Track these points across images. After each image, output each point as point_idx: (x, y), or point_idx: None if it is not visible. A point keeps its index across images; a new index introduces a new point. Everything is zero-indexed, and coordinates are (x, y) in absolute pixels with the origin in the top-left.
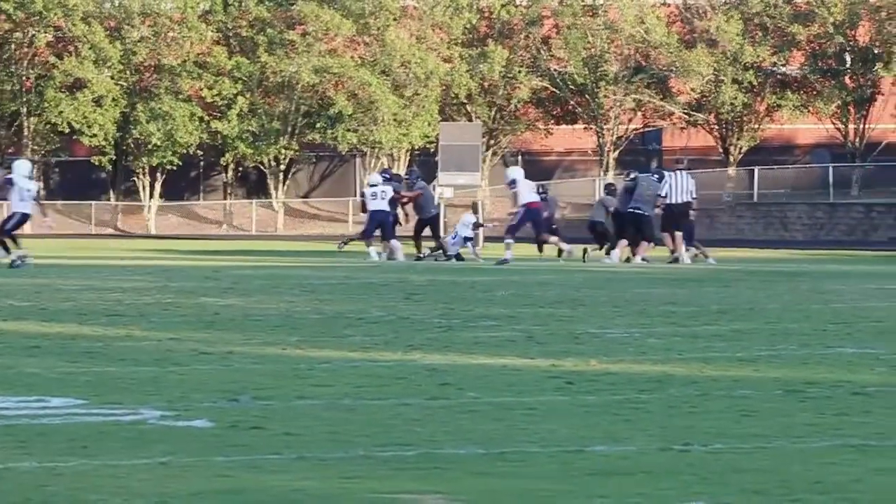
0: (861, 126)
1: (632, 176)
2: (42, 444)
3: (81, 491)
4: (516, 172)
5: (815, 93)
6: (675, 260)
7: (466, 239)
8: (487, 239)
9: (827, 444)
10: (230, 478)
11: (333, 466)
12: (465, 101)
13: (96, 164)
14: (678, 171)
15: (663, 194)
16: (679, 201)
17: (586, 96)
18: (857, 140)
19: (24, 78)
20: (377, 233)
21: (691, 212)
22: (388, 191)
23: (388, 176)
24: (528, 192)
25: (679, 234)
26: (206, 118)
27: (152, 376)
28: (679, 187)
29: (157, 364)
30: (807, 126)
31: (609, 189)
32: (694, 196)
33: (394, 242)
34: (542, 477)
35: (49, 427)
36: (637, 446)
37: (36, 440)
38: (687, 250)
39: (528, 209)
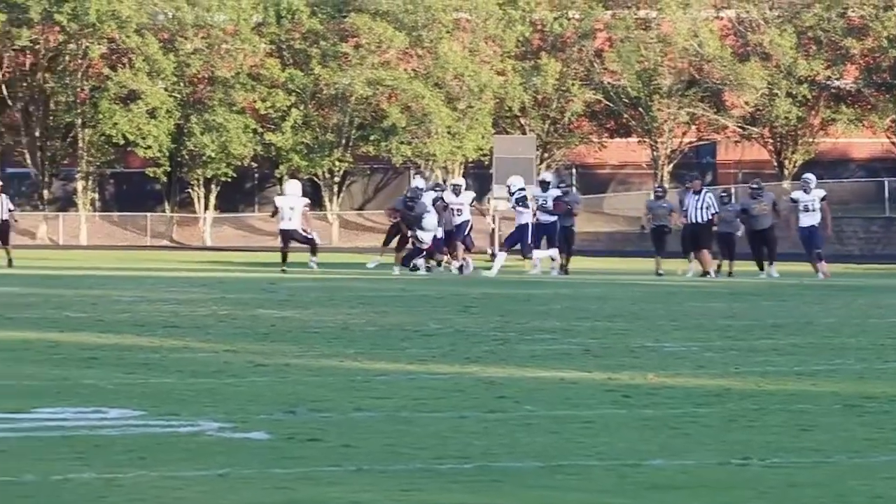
0: None
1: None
2: (100, 455)
3: (140, 502)
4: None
5: (869, 106)
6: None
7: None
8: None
9: (885, 459)
10: (287, 490)
11: (391, 479)
12: (519, 113)
13: (151, 175)
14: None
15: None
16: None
17: (640, 109)
18: None
19: (78, 89)
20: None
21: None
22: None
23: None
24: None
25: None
26: (260, 130)
27: (209, 388)
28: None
29: (214, 376)
30: (861, 140)
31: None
32: (714, 212)
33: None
34: (599, 491)
35: (107, 438)
36: (695, 460)
37: (94, 451)
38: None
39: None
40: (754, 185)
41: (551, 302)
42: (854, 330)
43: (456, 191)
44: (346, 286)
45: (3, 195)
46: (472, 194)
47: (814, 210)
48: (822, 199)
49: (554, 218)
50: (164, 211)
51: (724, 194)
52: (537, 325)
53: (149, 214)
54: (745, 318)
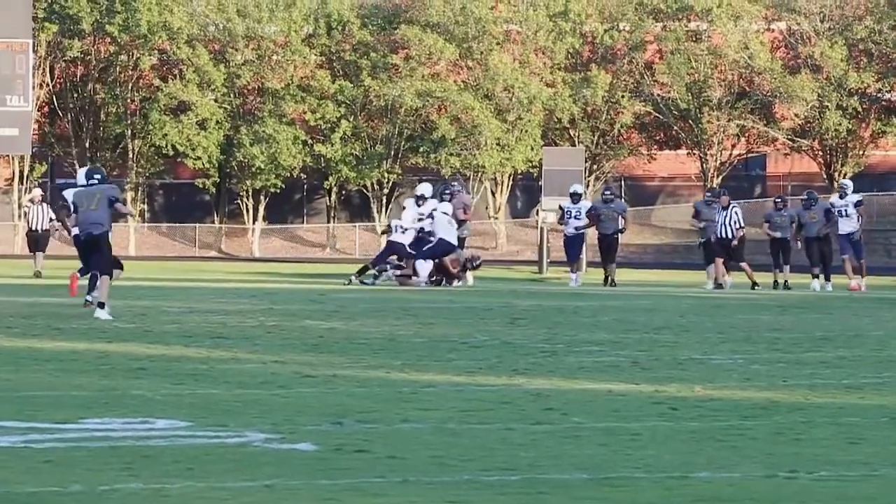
0: None
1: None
2: (148, 465)
3: None
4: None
5: None
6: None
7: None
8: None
9: None
10: (335, 501)
11: (438, 490)
12: (568, 125)
13: (200, 186)
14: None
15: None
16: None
17: (690, 121)
18: None
19: (128, 100)
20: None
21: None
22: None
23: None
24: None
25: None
26: (310, 141)
27: (257, 399)
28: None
29: (261, 387)
30: None
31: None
32: (740, 226)
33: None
34: (646, 503)
35: (155, 449)
36: (742, 473)
37: (142, 462)
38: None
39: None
40: (807, 196)
41: (599, 314)
42: None
43: (419, 202)
44: (393, 297)
45: (45, 204)
46: (447, 206)
47: (848, 216)
48: (858, 205)
49: (581, 230)
50: (212, 222)
51: (777, 199)
52: (585, 337)
53: (197, 225)
54: (793, 331)
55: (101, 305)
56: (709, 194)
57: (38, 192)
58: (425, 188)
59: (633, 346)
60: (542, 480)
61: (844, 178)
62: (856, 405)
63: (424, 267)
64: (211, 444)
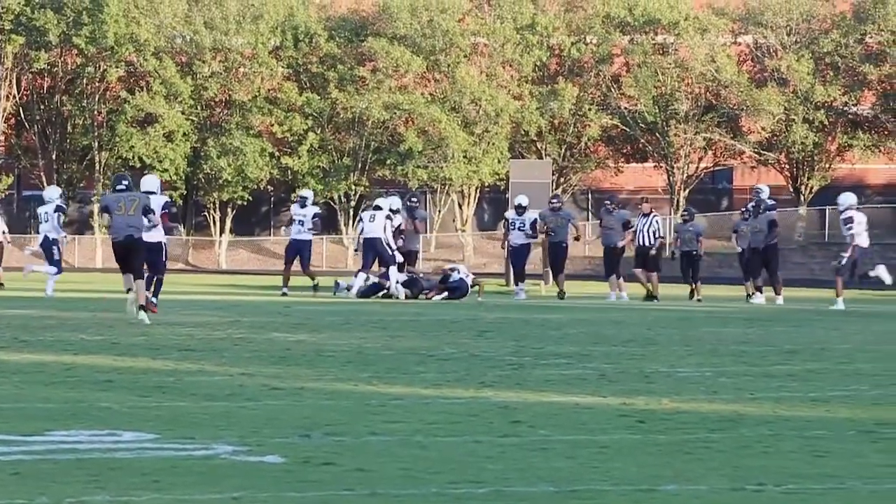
0: None
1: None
2: (115, 478)
3: None
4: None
5: (886, 133)
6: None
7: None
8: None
9: None
10: None
11: (406, 503)
12: (536, 138)
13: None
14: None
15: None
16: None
17: (657, 134)
18: None
19: (95, 112)
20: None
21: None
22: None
23: None
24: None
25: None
26: (277, 154)
27: (224, 411)
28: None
29: (228, 399)
30: (878, 166)
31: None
32: (660, 236)
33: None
34: None
35: (121, 461)
36: (709, 486)
37: (108, 474)
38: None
39: None
40: (748, 208)
41: (566, 327)
42: (869, 356)
43: (302, 202)
44: (360, 310)
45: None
46: (314, 209)
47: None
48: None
49: (527, 241)
50: (179, 234)
51: (684, 213)
52: (552, 349)
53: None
54: (760, 344)
55: (144, 308)
56: (554, 201)
57: None
58: (393, 201)
59: (601, 358)
60: (510, 493)
61: (811, 191)
62: (823, 418)
63: (394, 274)
64: (178, 456)
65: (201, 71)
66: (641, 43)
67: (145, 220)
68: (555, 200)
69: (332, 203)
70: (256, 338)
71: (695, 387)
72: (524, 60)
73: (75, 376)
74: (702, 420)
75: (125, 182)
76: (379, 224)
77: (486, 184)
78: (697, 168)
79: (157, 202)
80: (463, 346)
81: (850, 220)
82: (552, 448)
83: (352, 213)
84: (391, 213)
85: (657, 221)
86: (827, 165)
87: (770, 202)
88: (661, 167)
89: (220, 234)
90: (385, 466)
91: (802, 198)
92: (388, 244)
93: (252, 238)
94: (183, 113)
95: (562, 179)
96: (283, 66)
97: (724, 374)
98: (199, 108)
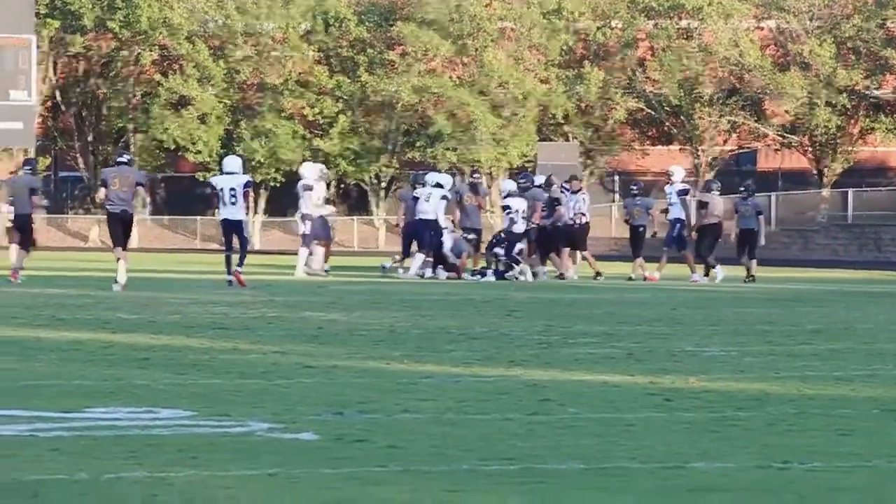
0: None
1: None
2: (152, 454)
3: (191, 501)
4: None
5: None
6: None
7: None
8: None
9: None
10: (337, 489)
11: (438, 479)
12: (562, 121)
13: (201, 180)
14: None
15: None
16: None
17: (681, 118)
18: None
19: (130, 95)
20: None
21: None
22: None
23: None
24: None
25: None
26: (308, 136)
27: (258, 389)
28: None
29: (262, 377)
30: None
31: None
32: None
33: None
34: (641, 493)
35: (159, 438)
36: (736, 464)
37: (146, 450)
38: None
39: None
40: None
41: (593, 306)
42: (892, 335)
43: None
44: (391, 290)
45: None
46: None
47: (672, 205)
48: (682, 194)
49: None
50: (213, 215)
51: (633, 187)
52: (580, 329)
53: (199, 218)
54: (784, 324)
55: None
56: (522, 179)
57: None
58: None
59: (628, 338)
60: (540, 470)
61: (835, 173)
62: (847, 397)
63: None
64: (214, 433)
65: (233, 54)
66: (666, 27)
67: (139, 197)
68: (523, 180)
69: (363, 184)
70: (289, 316)
71: (721, 366)
72: (550, 45)
73: (113, 354)
74: (728, 399)
75: (126, 156)
76: (434, 204)
77: (514, 165)
78: (722, 151)
79: (239, 181)
80: (492, 325)
81: None
82: (581, 426)
83: (382, 194)
84: (447, 194)
85: (584, 199)
86: (849, 148)
87: (682, 186)
88: (686, 150)
89: (254, 215)
90: (417, 443)
91: (825, 180)
92: (442, 226)
93: (285, 219)
94: (216, 96)
95: (588, 162)
96: (313, 50)
97: (749, 354)
98: (231, 90)
